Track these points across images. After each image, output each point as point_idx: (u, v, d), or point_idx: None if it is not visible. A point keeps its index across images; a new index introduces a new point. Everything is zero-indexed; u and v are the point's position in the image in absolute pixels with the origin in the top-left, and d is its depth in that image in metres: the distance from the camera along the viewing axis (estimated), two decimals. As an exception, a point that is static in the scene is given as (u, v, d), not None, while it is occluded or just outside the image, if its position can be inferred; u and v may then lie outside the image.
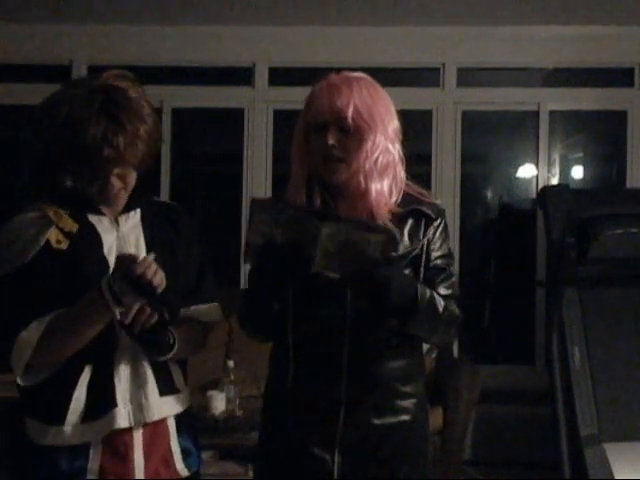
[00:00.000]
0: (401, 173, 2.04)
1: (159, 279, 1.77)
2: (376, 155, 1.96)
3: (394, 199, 2.02)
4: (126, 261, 1.77)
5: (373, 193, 1.97)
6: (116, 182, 1.87)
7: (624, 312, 4.06)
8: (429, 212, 2.04)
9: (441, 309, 1.97)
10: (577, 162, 5.43)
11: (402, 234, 2.00)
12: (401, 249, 1.99)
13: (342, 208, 2.01)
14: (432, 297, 1.96)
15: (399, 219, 2.01)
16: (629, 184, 5.05)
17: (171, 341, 1.88)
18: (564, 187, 4.47)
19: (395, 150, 2.01)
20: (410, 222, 2.02)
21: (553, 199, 4.16)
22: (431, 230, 2.04)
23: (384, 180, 1.99)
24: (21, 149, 5.23)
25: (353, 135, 1.94)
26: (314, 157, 1.98)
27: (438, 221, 2.05)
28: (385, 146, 1.97)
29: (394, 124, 2.01)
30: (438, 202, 2.10)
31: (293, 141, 2.04)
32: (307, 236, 1.83)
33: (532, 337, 5.09)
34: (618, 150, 5.17)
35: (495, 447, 4.61)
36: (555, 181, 5.15)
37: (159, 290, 1.78)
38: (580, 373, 3.87)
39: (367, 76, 2.04)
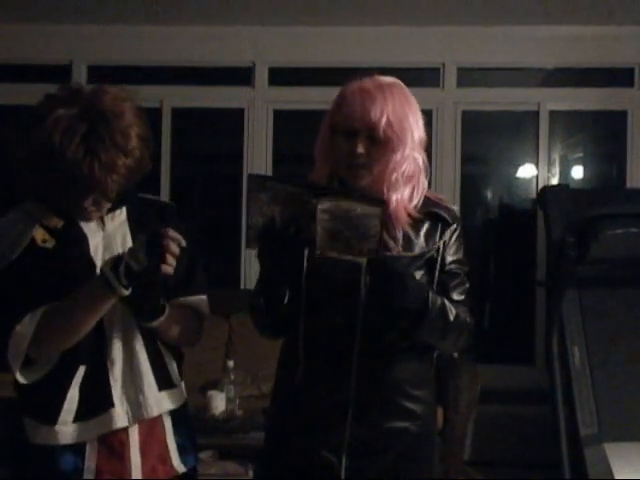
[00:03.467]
0: (424, 181, 2.03)
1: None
2: (402, 168, 1.95)
3: (414, 204, 2.01)
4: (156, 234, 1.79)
5: (393, 203, 1.97)
6: (89, 205, 1.87)
7: (624, 312, 4.06)
8: (446, 216, 2.04)
9: (452, 317, 1.96)
10: (577, 162, 5.43)
11: (418, 236, 2.00)
12: (417, 250, 1.99)
13: None
14: (443, 304, 1.96)
15: (416, 221, 2.01)
16: (629, 184, 5.05)
17: (162, 305, 1.87)
18: (564, 187, 4.47)
19: (420, 158, 2.01)
20: (427, 224, 2.02)
21: (553, 199, 4.16)
22: (447, 234, 2.03)
23: (406, 189, 1.99)
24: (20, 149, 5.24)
25: (382, 145, 1.93)
26: (338, 159, 1.98)
27: (454, 226, 2.05)
28: (412, 156, 1.97)
29: (420, 133, 2.00)
30: (455, 208, 2.10)
31: (317, 139, 2.03)
32: (305, 214, 1.81)
33: (532, 337, 5.10)
34: (618, 150, 5.17)
35: (495, 447, 4.61)
36: (555, 181, 5.16)
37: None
38: (580, 373, 3.87)
39: (399, 82, 2.02)
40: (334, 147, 1.98)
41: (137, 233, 1.95)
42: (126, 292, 1.79)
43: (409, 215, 2.00)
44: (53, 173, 1.80)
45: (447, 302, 1.97)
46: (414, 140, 1.97)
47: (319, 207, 1.80)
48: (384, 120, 1.91)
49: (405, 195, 1.99)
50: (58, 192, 1.85)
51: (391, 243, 1.97)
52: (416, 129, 1.98)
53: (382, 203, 1.86)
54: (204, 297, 2.07)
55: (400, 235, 1.98)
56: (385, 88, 1.96)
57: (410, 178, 1.99)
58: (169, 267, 1.78)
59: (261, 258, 1.97)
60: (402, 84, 2.02)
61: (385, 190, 1.96)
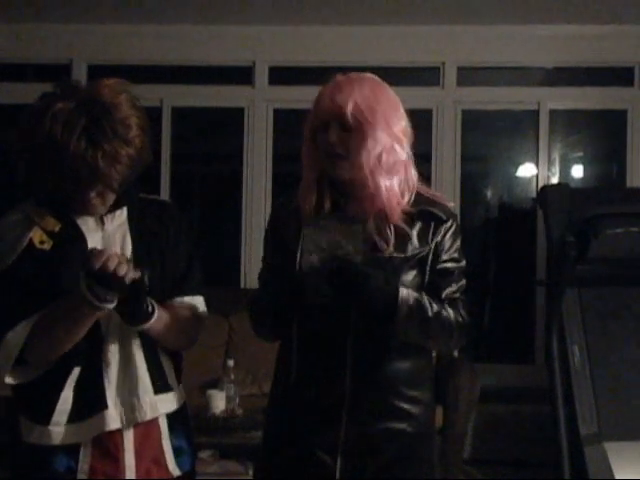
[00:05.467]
0: (412, 174, 2.02)
1: (123, 270, 1.72)
2: (378, 152, 1.94)
3: (406, 199, 2.00)
4: (88, 256, 1.75)
5: (384, 191, 1.95)
6: (94, 199, 1.87)
7: (624, 311, 4.05)
8: (440, 214, 2.01)
9: (431, 313, 1.92)
10: (577, 161, 5.43)
11: (411, 235, 1.98)
12: (409, 250, 1.97)
13: (353, 208, 1.99)
14: (419, 301, 1.92)
15: (409, 218, 1.99)
16: (629, 183, 5.05)
17: (149, 309, 1.85)
18: (564, 186, 4.45)
19: (403, 150, 1.99)
20: (420, 223, 2.00)
21: (553, 198, 4.15)
22: (441, 233, 2.01)
23: (393, 178, 1.97)
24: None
25: (354, 132, 1.93)
26: (319, 155, 1.98)
27: (449, 223, 2.02)
28: (390, 144, 1.96)
29: (401, 124, 1.99)
30: (451, 204, 2.09)
31: (303, 143, 2.04)
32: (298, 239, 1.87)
33: (532, 336, 5.10)
34: (618, 149, 5.18)
35: (495, 446, 4.61)
36: (555, 180, 5.16)
37: (127, 280, 1.73)
38: (580, 372, 3.87)
39: (374, 76, 2.03)
40: (317, 148, 1.98)
41: (137, 234, 1.95)
42: (110, 305, 1.77)
43: (402, 211, 1.98)
44: (57, 168, 1.79)
45: (426, 299, 1.94)
46: (390, 128, 1.96)
47: (304, 230, 1.86)
48: (351, 106, 1.92)
49: (394, 186, 1.98)
50: (62, 187, 1.84)
51: (382, 244, 1.96)
52: (394, 119, 1.97)
53: (361, 222, 1.89)
54: (200, 298, 2.05)
55: (392, 235, 1.97)
56: (354, 79, 1.98)
57: (393, 167, 1.97)
58: (128, 274, 1.74)
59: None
60: (378, 78, 2.03)
61: (369, 177, 1.95)
